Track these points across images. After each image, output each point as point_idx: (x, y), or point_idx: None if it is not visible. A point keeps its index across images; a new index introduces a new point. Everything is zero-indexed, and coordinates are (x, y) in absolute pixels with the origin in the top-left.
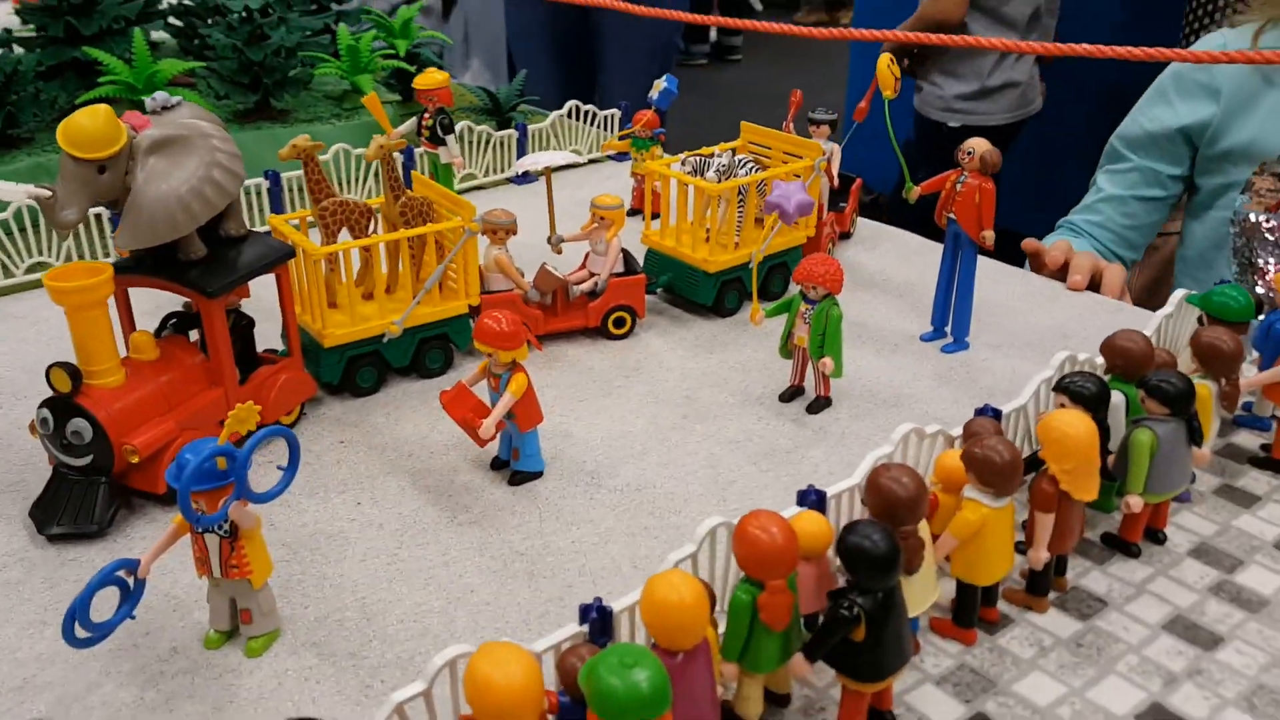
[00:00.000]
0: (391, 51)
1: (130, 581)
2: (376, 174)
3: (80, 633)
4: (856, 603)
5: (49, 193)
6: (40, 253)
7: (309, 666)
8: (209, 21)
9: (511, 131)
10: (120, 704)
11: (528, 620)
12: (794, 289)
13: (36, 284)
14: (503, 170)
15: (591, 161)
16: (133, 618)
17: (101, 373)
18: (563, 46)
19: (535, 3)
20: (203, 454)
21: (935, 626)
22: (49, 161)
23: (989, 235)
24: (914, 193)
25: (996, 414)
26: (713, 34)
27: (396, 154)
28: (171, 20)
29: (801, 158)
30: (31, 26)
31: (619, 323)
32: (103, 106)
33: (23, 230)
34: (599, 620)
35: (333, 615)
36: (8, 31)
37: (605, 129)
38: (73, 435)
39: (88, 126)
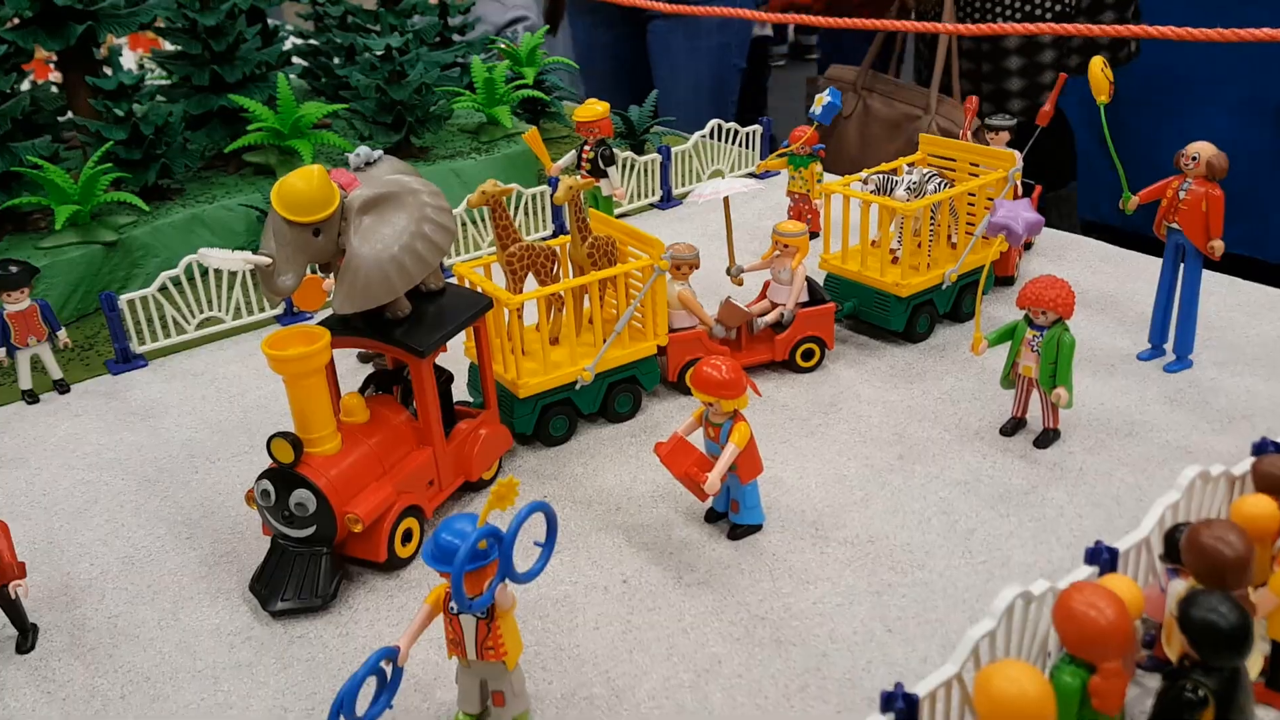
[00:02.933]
0: (523, 81)
1: (389, 670)
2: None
3: None
4: (1203, 684)
5: (268, 260)
6: (210, 307)
7: None
8: (336, 61)
9: (655, 155)
10: None
11: (788, 695)
12: (1016, 314)
13: (209, 339)
14: (648, 195)
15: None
16: (390, 707)
17: (320, 440)
18: (625, 70)
19: (596, 26)
20: (473, 536)
21: None
22: (203, 213)
23: (1218, 245)
24: (1132, 203)
25: (1278, 448)
26: (790, 33)
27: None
28: (295, 60)
29: (975, 169)
30: (165, 73)
31: (807, 355)
32: (316, 168)
33: (190, 280)
34: (905, 710)
35: (579, 691)
36: (157, 86)
37: (746, 147)
38: (296, 507)
39: (303, 189)
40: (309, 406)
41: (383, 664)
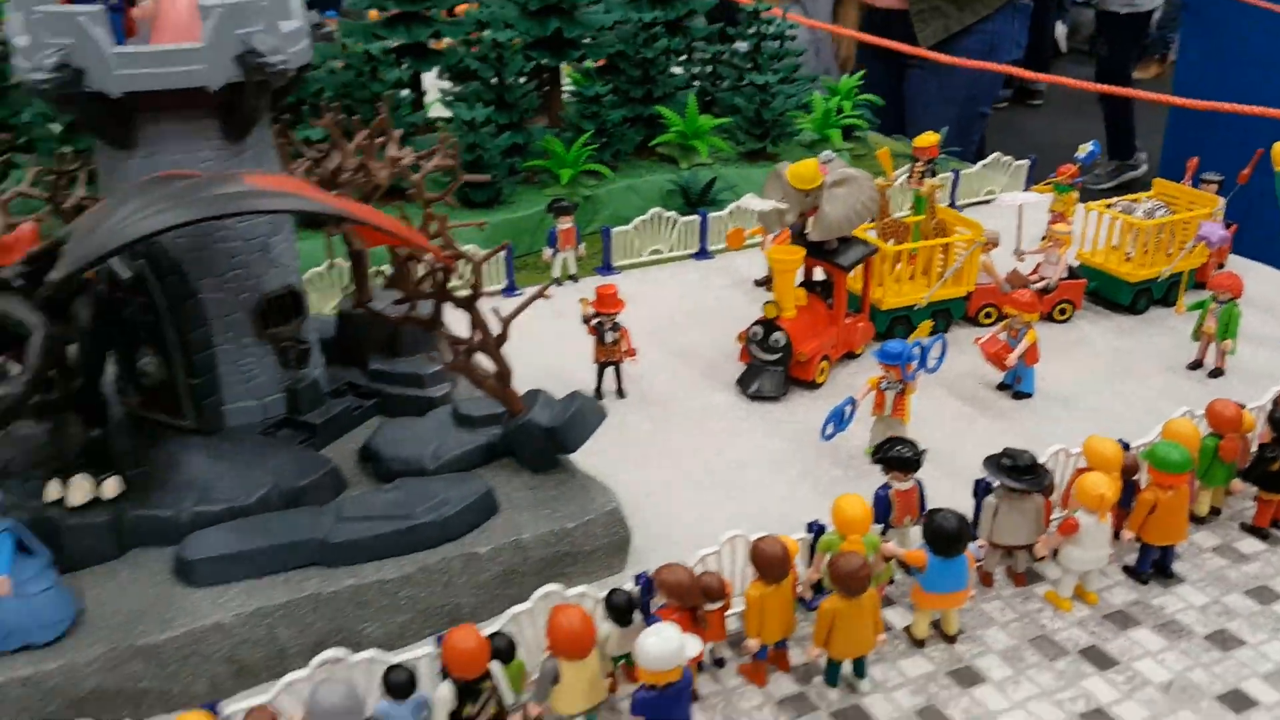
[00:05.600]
0: (847, 112)
1: (848, 410)
2: None
3: (829, 431)
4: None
5: (785, 206)
6: (656, 242)
7: None
8: (715, 84)
9: (949, 175)
10: (811, 500)
11: None
12: (1206, 294)
13: (652, 262)
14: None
15: (983, 202)
16: (843, 430)
17: (787, 309)
18: (879, 107)
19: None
20: (909, 345)
21: None
22: (634, 184)
23: None
24: None
25: None
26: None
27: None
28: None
29: (1184, 207)
30: (593, 82)
31: (1062, 311)
32: (813, 160)
33: (646, 223)
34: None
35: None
36: (600, 95)
37: (1010, 176)
38: (774, 341)
39: (805, 173)
40: (785, 288)
41: (847, 408)
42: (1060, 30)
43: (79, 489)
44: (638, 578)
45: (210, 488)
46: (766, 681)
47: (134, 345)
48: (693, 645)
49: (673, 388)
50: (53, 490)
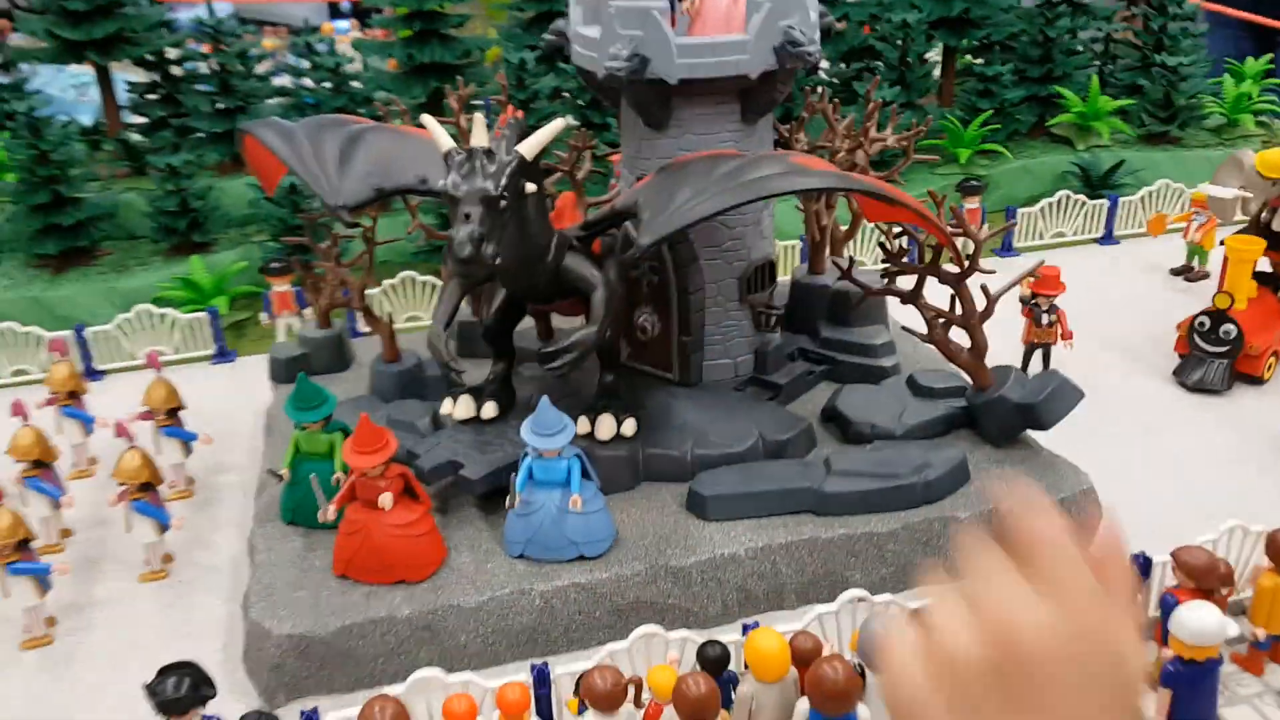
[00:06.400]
0: (1260, 98)
1: None
2: None
3: None
4: None
5: (1249, 194)
6: (1060, 225)
7: None
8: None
9: None
10: (1276, 498)
11: None
12: None
13: (1054, 245)
14: None
15: None
16: None
17: (1240, 300)
18: None
19: (1225, 40)
20: None
21: None
22: (1030, 165)
23: None
24: None
25: None
26: None
27: None
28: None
29: None
30: (993, 60)
31: None
32: (1278, 150)
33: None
34: None
35: None
36: (999, 74)
37: None
38: (1223, 332)
39: (1275, 161)
40: (1239, 279)
41: None
42: None
43: (606, 425)
44: (1135, 557)
45: (705, 434)
46: (1264, 671)
47: (635, 303)
48: (1232, 626)
49: (1101, 373)
50: (581, 425)
